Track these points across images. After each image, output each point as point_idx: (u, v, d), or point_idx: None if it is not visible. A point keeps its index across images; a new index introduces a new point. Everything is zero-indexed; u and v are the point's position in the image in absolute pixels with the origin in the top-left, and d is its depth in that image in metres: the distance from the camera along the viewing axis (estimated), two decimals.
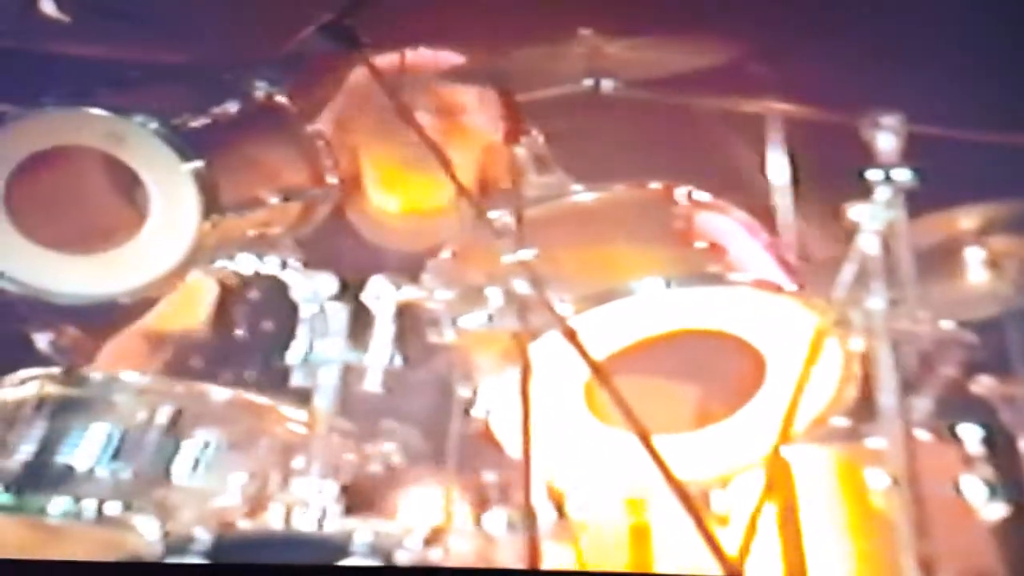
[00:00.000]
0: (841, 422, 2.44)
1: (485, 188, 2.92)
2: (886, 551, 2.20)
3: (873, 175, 2.40)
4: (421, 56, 2.93)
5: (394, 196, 3.02)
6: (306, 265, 2.50)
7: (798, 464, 2.35)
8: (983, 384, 2.47)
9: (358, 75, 2.98)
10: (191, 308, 2.75)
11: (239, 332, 2.66)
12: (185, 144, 2.58)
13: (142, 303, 2.71)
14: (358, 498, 2.31)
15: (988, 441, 2.40)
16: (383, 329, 2.43)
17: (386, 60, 2.83)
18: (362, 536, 2.12)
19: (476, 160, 2.98)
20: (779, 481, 2.26)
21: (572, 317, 2.29)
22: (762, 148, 2.91)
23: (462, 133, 2.96)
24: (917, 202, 2.42)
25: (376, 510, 2.35)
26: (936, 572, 2.09)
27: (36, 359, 2.59)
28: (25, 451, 2.38)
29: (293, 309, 2.47)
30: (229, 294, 2.71)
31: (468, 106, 2.96)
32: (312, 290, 2.46)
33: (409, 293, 2.45)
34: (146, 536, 2.18)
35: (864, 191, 2.40)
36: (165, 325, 2.75)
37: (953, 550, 2.19)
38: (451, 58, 2.92)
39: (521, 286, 2.27)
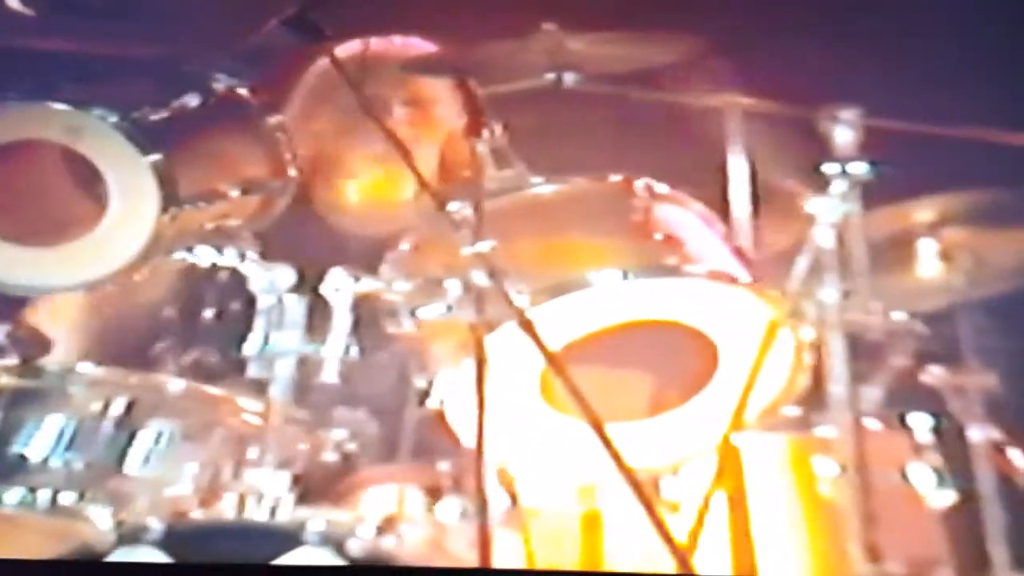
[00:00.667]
0: (792, 411, 2.46)
1: (447, 178, 2.93)
2: (834, 538, 2.22)
3: (830, 168, 2.42)
4: (386, 44, 2.94)
5: (358, 185, 3.03)
6: (264, 257, 2.51)
7: (749, 452, 2.36)
8: (933, 374, 2.49)
9: (322, 64, 2.99)
10: (147, 298, 2.75)
11: (193, 323, 2.66)
12: (144, 137, 2.59)
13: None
14: (312, 488, 2.32)
15: (937, 430, 2.42)
16: (341, 321, 2.43)
17: (349, 48, 2.84)
18: (315, 525, 2.12)
19: (439, 150, 2.99)
20: (729, 469, 2.28)
21: (529, 308, 2.31)
22: (721, 142, 2.93)
23: (429, 123, 2.97)
24: (872, 195, 2.45)
25: (330, 500, 2.36)
26: (883, 559, 2.12)
27: None
28: None
29: (249, 301, 2.47)
30: (184, 285, 2.71)
31: (438, 96, 2.97)
32: (270, 282, 2.46)
33: (368, 285, 2.46)
34: (99, 525, 2.18)
35: (821, 184, 2.42)
36: (122, 315, 2.75)
37: (901, 537, 2.21)
38: (417, 45, 2.93)
39: (479, 278, 2.28)
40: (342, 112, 2.96)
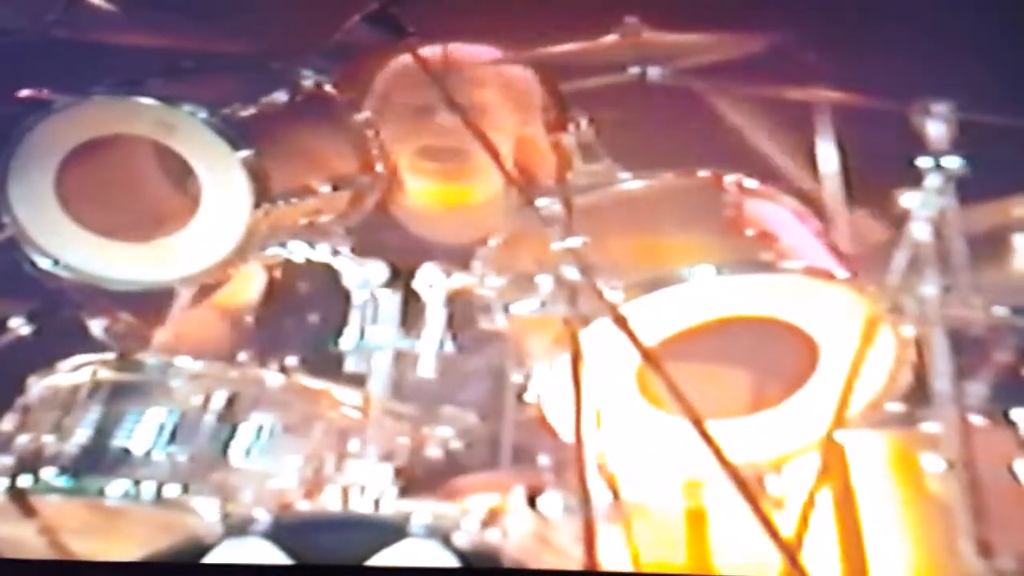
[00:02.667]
0: (896, 407, 2.45)
1: (525, 179, 2.93)
2: (943, 535, 2.20)
3: (923, 162, 2.40)
4: (460, 51, 2.94)
5: (429, 188, 3.03)
6: (356, 253, 2.52)
7: (853, 448, 2.35)
8: None
9: (392, 67, 3.00)
10: (242, 295, 2.77)
11: (288, 320, 2.68)
12: (235, 133, 2.60)
13: (195, 290, 2.73)
14: (414, 482, 2.32)
15: None
16: (435, 316, 2.44)
17: (428, 54, 2.84)
18: (420, 518, 2.13)
19: (509, 154, 2.99)
20: (834, 465, 2.27)
21: (623, 304, 2.30)
22: (811, 136, 2.91)
23: (493, 128, 2.96)
24: (968, 190, 2.43)
25: (432, 493, 2.37)
26: (994, 555, 2.10)
27: (91, 345, 2.61)
28: (82, 435, 2.41)
29: (344, 297, 2.48)
30: (278, 282, 2.73)
31: (490, 105, 2.97)
32: (363, 277, 2.47)
33: (460, 280, 2.47)
34: (206, 517, 2.20)
35: (915, 179, 2.41)
36: (218, 311, 2.77)
37: (1010, 534, 2.19)
38: (489, 53, 2.93)
39: (571, 273, 2.28)
40: (409, 114, 2.97)
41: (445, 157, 2.97)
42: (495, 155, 2.53)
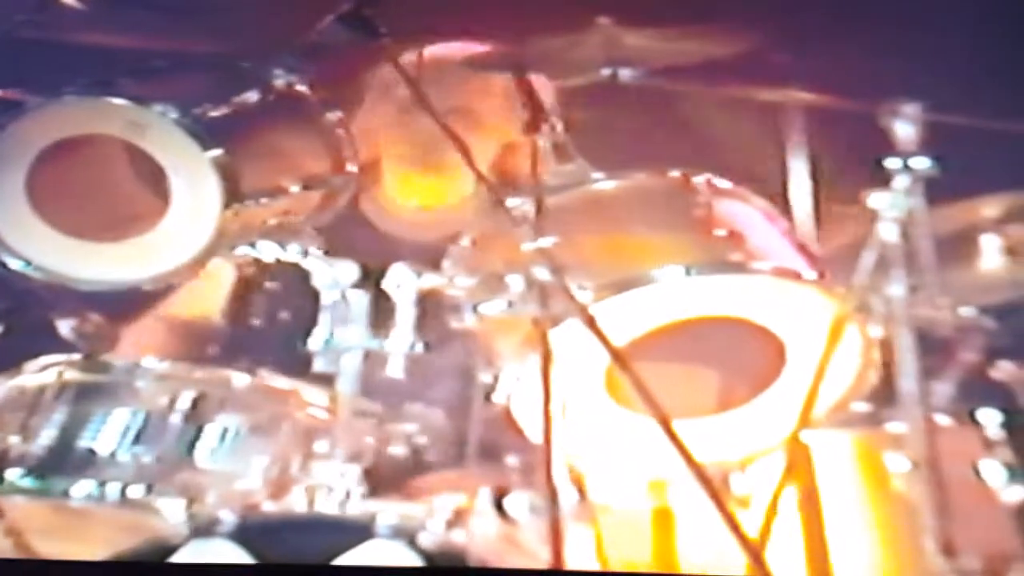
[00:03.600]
0: (862, 407, 2.45)
1: (503, 183, 2.93)
2: (908, 533, 2.21)
3: (892, 163, 2.41)
4: (441, 49, 2.94)
5: (410, 189, 3.03)
6: (327, 253, 2.51)
7: (818, 448, 2.36)
8: (1003, 369, 2.48)
9: (379, 68, 3.00)
10: (210, 295, 2.77)
11: (258, 319, 2.67)
12: (206, 133, 2.60)
13: (164, 290, 2.73)
14: (381, 482, 2.32)
15: (1008, 425, 2.41)
16: (404, 316, 2.44)
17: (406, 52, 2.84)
18: (385, 518, 2.13)
19: (494, 155, 2.99)
20: (799, 464, 2.27)
21: (592, 304, 2.30)
22: (781, 136, 2.92)
23: (479, 129, 2.97)
24: (936, 190, 2.44)
25: (399, 493, 2.37)
26: (957, 554, 2.10)
27: (59, 345, 2.60)
28: (47, 436, 2.40)
29: (314, 296, 2.48)
30: (247, 281, 2.72)
31: (491, 103, 2.97)
32: (333, 277, 2.47)
33: (430, 280, 2.47)
34: (171, 518, 2.19)
35: (883, 179, 2.41)
36: (185, 311, 2.77)
37: (974, 533, 2.20)
38: (470, 49, 2.93)
39: (541, 273, 2.28)
40: (391, 115, 2.96)
41: (427, 159, 2.97)
42: (466, 153, 2.54)
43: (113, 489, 2.32)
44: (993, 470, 2.34)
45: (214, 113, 2.67)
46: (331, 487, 2.22)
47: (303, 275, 2.50)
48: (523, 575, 2.18)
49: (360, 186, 2.91)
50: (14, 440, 2.40)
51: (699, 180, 2.53)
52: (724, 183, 2.55)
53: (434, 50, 2.92)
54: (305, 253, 2.50)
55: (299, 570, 2.13)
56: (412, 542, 2.10)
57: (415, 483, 2.42)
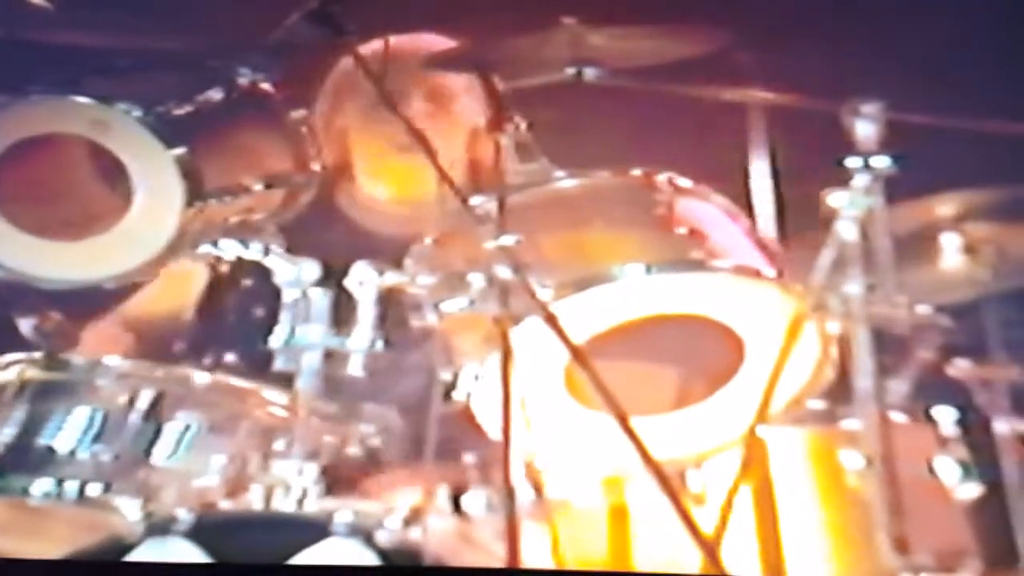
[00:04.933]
0: (817, 404, 2.47)
1: (475, 172, 2.93)
2: (861, 530, 2.22)
3: (852, 162, 2.42)
4: (406, 41, 2.94)
5: (383, 182, 3.03)
6: (289, 251, 2.52)
7: (774, 444, 2.37)
8: (959, 367, 2.49)
9: (345, 63, 3.00)
10: (174, 294, 2.77)
11: (222, 317, 2.67)
12: (169, 131, 2.60)
13: (125, 289, 2.73)
14: (338, 481, 2.33)
15: (963, 423, 2.43)
16: (366, 314, 2.44)
17: (371, 46, 2.85)
18: (342, 516, 2.14)
19: (464, 144, 2.99)
20: (755, 461, 2.28)
21: (553, 302, 2.31)
22: (744, 136, 2.93)
23: (450, 118, 2.97)
24: (896, 189, 2.45)
25: (356, 491, 2.37)
26: (910, 550, 2.12)
27: (20, 344, 2.60)
28: (7, 434, 2.40)
29: (276, 294, 2.48)
30: (209, 280, 2.73)
31: (457, 91, 2.97)
32: (295, 276, 2.47)
33: (392, 279, 2.47)
34: (128, 516, 2.19)
35: (843, 178, 2.43)
36: (148, 310, 2.77)
37: (928, 529, 2.21)
38: (437, 42, 2.94)
39: (503, 271, 2.28)
40: (362, 110, 2.97)
41: (405, 154, 2.97)
42: (430, 153, 2.54)
43: (71, 487, 2.32)
44: (947, 467, 2.36)
45: (178, 111, 2.68)
46: (289, 485, 2.23)
47: (265, 273, 2.51)
48: (479, 574, 2.19)
49: (335, 182, 2.91)
50: None
51: (661, 179, 2.54)
52: (686, 182, 2.56)
53: (399, 41, 2.92)
54: (267, 251, 2.51)
55: (253, 570, 2.13)
56: (369, 540, 2.10)
57: (373, 481, 2.43)
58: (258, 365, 2.45)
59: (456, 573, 2.17)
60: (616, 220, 2.50)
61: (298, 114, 2.85)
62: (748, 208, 2.78)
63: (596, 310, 2.42)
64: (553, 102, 2.82)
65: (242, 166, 2.73)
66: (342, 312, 2.45)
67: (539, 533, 2.23)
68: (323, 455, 2.34)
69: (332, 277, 2.48)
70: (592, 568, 2.39)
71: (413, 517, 2.16)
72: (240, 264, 2.57)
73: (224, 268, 2.70)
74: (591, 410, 2.43)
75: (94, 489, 2.32)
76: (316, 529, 2.12)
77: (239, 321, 2.65)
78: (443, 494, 2.22)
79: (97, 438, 2.37)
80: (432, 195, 2.96)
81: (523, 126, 2.72)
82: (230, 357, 2.52)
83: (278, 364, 2.42)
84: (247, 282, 2.67)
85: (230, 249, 2.53)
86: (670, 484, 2.04)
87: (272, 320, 2.45)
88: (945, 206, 2.60)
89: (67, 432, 2.38)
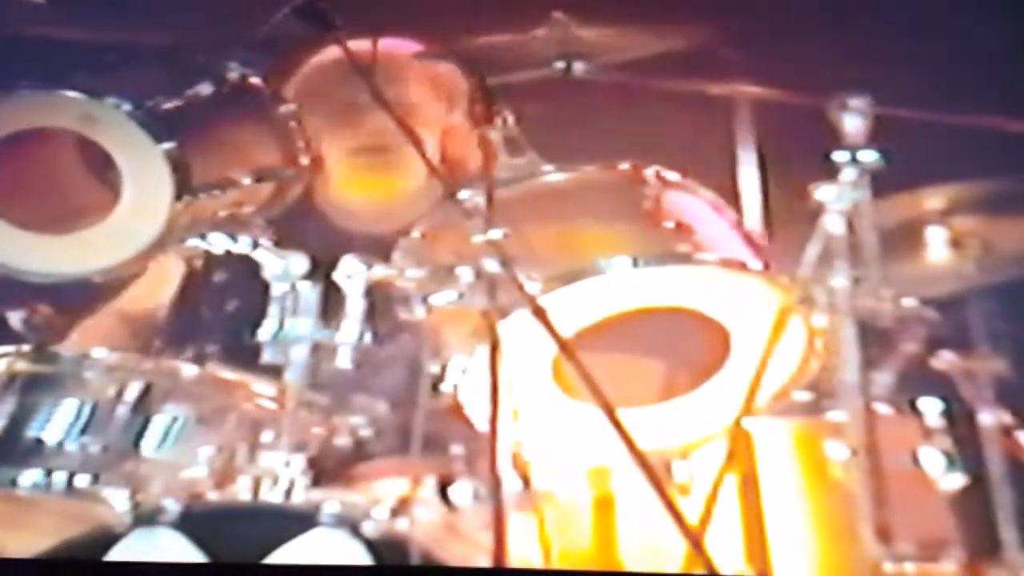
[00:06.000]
0: (803, 396, 2.48)
1: (449, 170, 2.94)
2: (845, 520, 2.23)
3: (839, 156, 2.43)
4: (387, 45, 2.95)
5: (358, 183, 3.04)
6: (277, 245, 2.53)
7: (760, 436, 2.38)
8: (944, 360, 2.50)
9: (318, 59, 3.00)
10: (160, 287, 2.78)
11: (206, 310, 2.68)
12: (158, 126, 2.60)
13: (114, 282, 2.74)
14: (326, 472, 2.33)
15: (947, 414, 2.44)
16: (354, 307, 2.45)
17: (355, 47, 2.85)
18: (329, 507, 2.14)
19: (436, 144, 3.00)
20: (740, 452, 2.30)
21: (541, 295, 2.32)
22: (731, 130, 2.95)
23: (416, 118, 2.96)
24: (883, 183, 2.46)
25: (344, 485, 2.38)
26: (893, 540, 2.13)
27: (8, 337, 2.61)
28: None
29: (263, 288, 2.49)
30: (196, 274, 2.74)
31: (418, 99, 2.98)
32: (283, 269, 2.48)
33: (380, 272, 2.48)
34: (116, 507, 2.20)
35: (831, 172, 2.44)
36: (136, 305, 2.78)
37: (911, 519, 2.23)
38: (415, 46, 2.95)
39: (491, 265, 2.29)
40: (325, 114, 2.96)
41: (375, 154, 2.98)
42: (421, 150, 2.55)
43: (60, 478, 2.33)
44: (931, 458, 2.38)
45: (167, 106, 2.68)
46: (276, 476, 2.24)
47: (253, 267, 2.51)
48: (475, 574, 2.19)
49: (310, 181, 2.91)
50: None
51: (649, 173, 2.55)
52: (673, 175, 2.57)
53: (382, 43, 2.92)
54: (255, 245, 2.51)
55: (245, 569, 2.13)
56: (355, 530, 2.11)
57: (360, 472, 2.44)
58: (246, 358, 2.46)
59: (456, 573, 2.17)
60: (604, 214, 2.51)
61: (287, 108, 2.86)
62: (735, 202, 2.80)
63: (584, 303, 2.43)
64: (542, 96, 2.84)
65: (231, 160, 2.73)
66: (330, 306, 2.46)
67: (525, 524, 2.24)
68: (311, 447, 2.35)
69: (320, 271, 2.49)
70: (580, 559, 2.40)
71: (400, 508, 2.17)
72: (216, 257, 2.58)
73: (199, 262, 2.72)
74: (578, 402, 2.44)
75: (82, 480, 2.32)
76: (303, 520, 2.13)
77: (226, 315, 2.66)
78: (430, 485, 2.23)
79: (85, 430, 2.38)
80: (405, 193, 2.99)
81: (511, 121, 2.73)
82: (218, 350, 2.53)
83: (267, 357, 2.42)
84: (220, 276, 2.68)
85: (219, 243, 2.54)
86: (656, 475, 2.05)
87: (261, 314, 2.46)
88: (932, 200, 2.62)
89: (56, 424, 2.39)
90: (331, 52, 2.86)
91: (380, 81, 2.67)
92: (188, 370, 2.44)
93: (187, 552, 2.11)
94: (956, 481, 2.37)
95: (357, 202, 3.04)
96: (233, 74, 2.81)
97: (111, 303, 2.79)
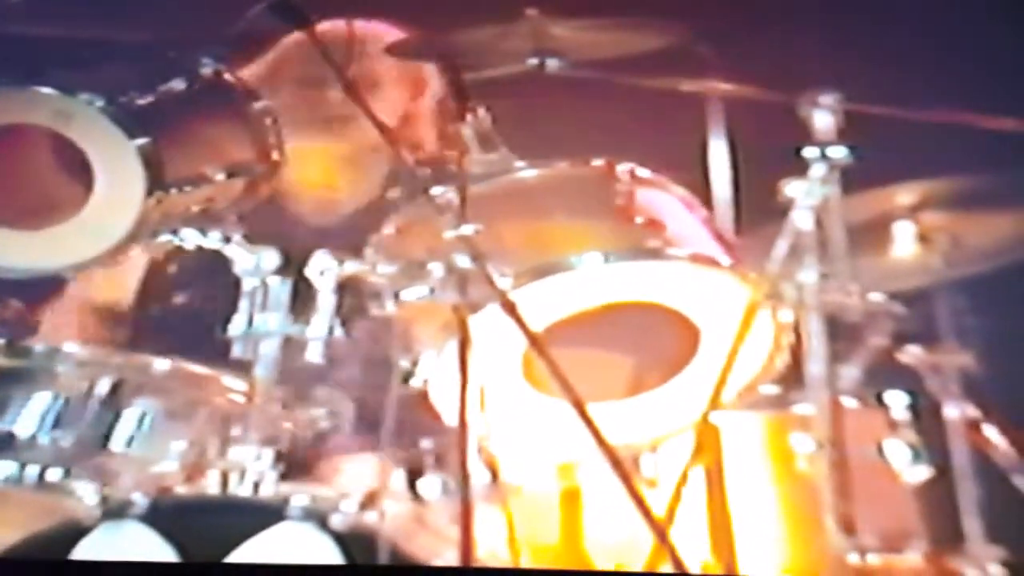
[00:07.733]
0: (770, 390, 2.50)
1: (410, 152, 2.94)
2: (810, 512, 2.25)
3: (809, 152, 2.45)
4: (361, 27, 2.96)
5: (311, 169, 3.04)
6: (249, 240, 2.53)
7: (727, 429, 2.40)
8: (911, 353, 2.52)
9: (283, 42, 3.00)
10: (130, 281, 2.78)
11: (173, 303, 2.69)
12: (131, 121, 2.61)
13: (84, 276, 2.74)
14: (294, 465, 2.34)
15: (913, 407, 2.46)
16: (325, 302, 2.46)
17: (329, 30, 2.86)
18: (298, 500, 2.15)
19: (393, 124, 2.99)
20: (707, 445, 2.32)
21: (512, 290, 2.33)
22: (703, 127, 2.96)
23: (376, 98, 2.96)
24: (853, 179, 2.48)
25: (311, 476, 2.39)
26: (857, 531, 2.15)
27: None
28: None
29: (234, 283, 2.50)
30: (167, 268, 2.74)
31: (380, 78, 2.99)
32: (254, 264, 2.49)
33: (352, 267, 2.49)
34: (85, 500, 2.20)
35: (801, 168, 2.45)
36: (103, 297, 2.78)
37: (876, 511, 2.25)
38: (391, 31, 2.96)
39: (463, 260, 2.30)
40: (291, 96, 2.96)
41: (332, 126, 2.98)
42: (383, 130, 2.57)
43: (31, 472, 2.33)
44: (897, 450, 2.40)
45: (140, 102, 2.68)
46: (245, 470, 2.24)
47: (224, 262, 2.52)
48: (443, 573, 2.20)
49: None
50: None
51: (621, 169, 2.56)
52: (645, 172, 2.58)
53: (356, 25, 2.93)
54: (227, 240, 2.52)
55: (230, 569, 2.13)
56: (323, 524, 2.12)
57: (329, 465, 2.44)
58: (216, 353, 2.47)
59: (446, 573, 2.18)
60: (576, 210, 2.52)
61: (260, 104, 2.86)
62: (706, 198, 2.81)
63: (554, 299, 2.44)
64: (515, 92, 2.85)
65: (204, 156, 2.73)
66: (301, 300, 2.47)
67: (493, 517, 2.26)
68: (280, 441, 2.36)
69: (292, 266, 2.49)
70: (548, 552, 2.42)
71: (369, 501, 2.18)
72: (193, 253, 2.58)
73: (174, 257, 2.72)
74: (548, 396, 2.45)
75: (54, 474, 2.33)
76: (271, 513, 2.14)
77: (197, 309, 2.67)
78: (399, 478, 2.24)
79: (57, 424, 2.39)
80: (360, 179, 2.98)
81: (485, 116, 2.74)
82: (188, 345, 2.53)
83: (236, 352, 2.43)
84: (202, 271, 2.68)
85: (191, 238, 2.54)
86: (623, 468, 2.07)
87: (231, 309, 2.46)
88: (902, 195, 2.63)
89: (27, 417, 2.39)
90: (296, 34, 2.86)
91: (347, 55, 2.68)
92: (159, 365, 2.44)
93: (155, 545, 2.12)
94: (921, 473, 2.39)
95: (311, 190, 3.02)
96: (206, 70, 2.81)
97: (75, 293, 2.79)
